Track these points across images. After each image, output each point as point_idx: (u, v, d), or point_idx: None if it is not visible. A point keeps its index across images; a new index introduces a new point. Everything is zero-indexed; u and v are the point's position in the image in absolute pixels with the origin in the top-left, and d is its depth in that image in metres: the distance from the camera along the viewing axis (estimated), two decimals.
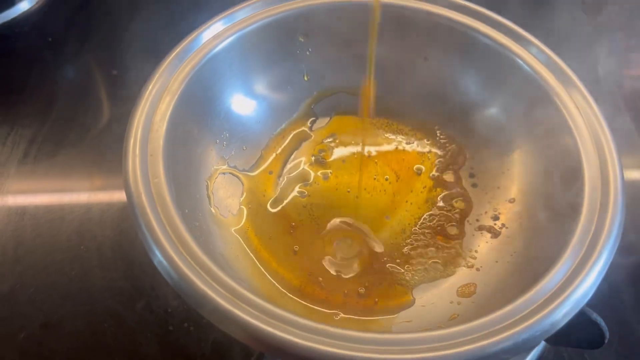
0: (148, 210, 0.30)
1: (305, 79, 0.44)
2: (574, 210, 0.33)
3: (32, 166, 0.51)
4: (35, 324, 0.41)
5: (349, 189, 0.41)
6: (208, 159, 0.39)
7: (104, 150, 0.52)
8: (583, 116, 0.36)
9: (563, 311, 0.29)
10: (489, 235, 0.39)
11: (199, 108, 0.38)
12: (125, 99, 0.56)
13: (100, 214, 0.48)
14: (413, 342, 0.27)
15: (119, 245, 0.46)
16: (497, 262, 0.37)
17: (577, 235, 0.32)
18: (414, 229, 0.40)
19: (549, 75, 0.38)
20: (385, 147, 0.44)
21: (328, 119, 0.45)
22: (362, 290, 0.37)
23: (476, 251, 0.38)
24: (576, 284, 0.29)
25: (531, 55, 0.38)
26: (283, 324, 0.27)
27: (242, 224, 0.39)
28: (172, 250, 0.29)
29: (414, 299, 0.36)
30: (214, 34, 0.38)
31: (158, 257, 0.29)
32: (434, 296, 0.36)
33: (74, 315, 0.42)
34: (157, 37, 0.58)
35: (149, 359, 0.40)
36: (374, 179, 0.42)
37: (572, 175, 0.34)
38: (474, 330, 0.28)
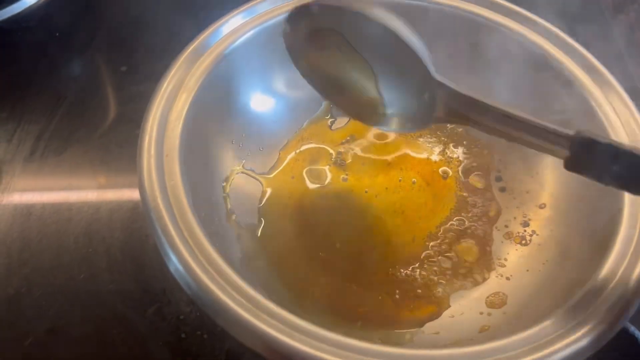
0: (164, 215, 0.28)
1: None
2: (613, 215, 0.31)
3: (38, 164, 0.49)
4: (42, 329, 0.39)
5: (369, 191, 0.40)
6: (224, 160, 0.37)
7: (113, 148, 0.50)
8: (620, 118, 0.34)
9: (604, 328, 0.27)
10: (518, 242, 0.37)
11: (215, 106, 0.36)
12: (134, 97, 0.54)
13: (109, 214, 0.46)
14: (445, 359, 0.25)
15: (129, 247, 0.44)
16: (528, 270, 0.35)
17: (617, 243, 0.30)
18: (440, 235, 0.38)
19: (585, 76, 0.36)
20: (409, 150, 0.42)
21: (347, 119, 0.43)
22: (387, 300, 0.35)
23: (505, 259, 0.36)
24: (618, 297, 0.28)
25: (563, 53, 0.37)
26: (306, 337, 0.25)
27: (260, 228, 0.37)
28: (190, 257, 0.27)
29: (441, 309, 0.34)
30: (232, 27, 0.36)
31: (175, 264, 0.27)
32: (463, 307, 0.34)
33: (82, 320, 0.40)
34: (169, 33, 0.57)
35: None
36: (399, 180, 0.40)
37: None
38: (509, 347, 0.26)
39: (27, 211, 0.45)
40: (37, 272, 0.42)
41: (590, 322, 0.27)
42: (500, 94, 0.39)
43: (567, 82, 0.36)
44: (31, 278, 0.42)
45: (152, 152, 0.30)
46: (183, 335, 0.39)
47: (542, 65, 0.38)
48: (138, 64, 0.56)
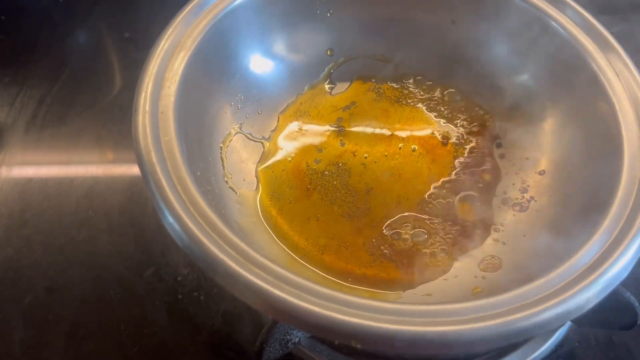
0: (158, 169, 0.28)
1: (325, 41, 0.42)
2: (611, 183, 0.31)
3: (40, 128, 0.49)
4: (41, 288, 0.40)
5: (368, 157, 0.39)
6: (222, 121, 0.37)
7: (116, 114, 0.50)
8: (623, 83, 0.33)
9: (596, 289, 0.27)
10: (516, 208, 0.37)
11: (213, 66, 0.36)
12: (137, 63, 0.52)
13: (110, 178, 0.46)
14: (433, 313, 0.25)
15: (128, 210, 0.44)
16: (524, 236, 0.35)
17: (613, 210, 0.30)
18: (438, 200, 0.38)
19: (586, 39, 0.35)
20: (409, 115, 0.41)
21: (348, 83, 0.43)
22: (380, 262, 0.35)
23: (502, 224, 0.36)
24: (611, 261, 0.28)
25: (567, 17, 0.36)
26: (298, 291, 0.25)
27: (257, 189, 0.37)
28: (183, 211, 0.27)
29: (435, 272, 0.34)
30: None
31: (168, 217, 0.27)
32: (457, 269, 0.34)
33: (81, 280, 0.40)
34: None
35: (157, 327, 0.38)
36: (399, 148, 0.40)
37: (610, 146, 0.32)
38: (497, 305, 0.26)
39: (29, 174, 0.46)
40: (38, 232, 0.43)
41: (581, 282, 0.27)
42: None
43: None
44: (31, 238, 0.42)
45: (147, 108, 0.30)
46: (180, 297, 0.40)
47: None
48: (141, 31, 0.56)
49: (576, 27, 0.36)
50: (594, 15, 0.36)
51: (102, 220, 0.43)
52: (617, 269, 0.27)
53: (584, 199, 0.33)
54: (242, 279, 0.25)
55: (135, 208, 0.44)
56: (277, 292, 0.25)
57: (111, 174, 0.46)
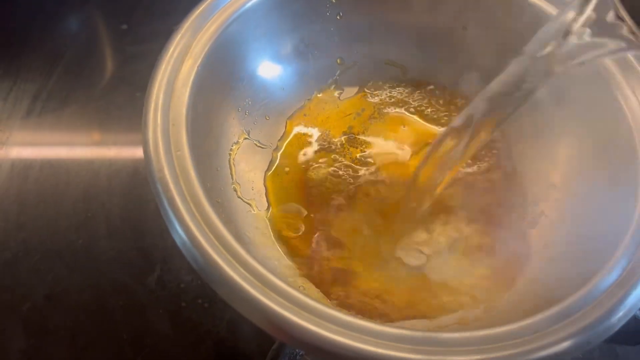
0: (171, 187, 0.27)
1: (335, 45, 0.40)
2: (627, 201, 0.31)
3: (35, 124, 0.48)
4: (39, 295, 0.39)
5: (376, 163, 0.39)
6: (230, 129, 0.36)
7: (112, 110, 0.49)
8: (639, 99, 0.33)
9: (617, 316, 0.26)
10: (525, 223, 0.36)
11: (222, 72, 0.35)
12: (135, 56, 0.52)
13: (107, 178, 0.45)
14: (453, 342, 0.25)
15: (128, 213, 0.43)
16: (535, 254, 0.34)
17: (631, 230, 0.29)
18: (443, 210, 0.37)
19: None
20: (417, 123, 0.41)
21: (357, 89, 0.42)
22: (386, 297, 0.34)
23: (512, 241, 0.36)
24: (632, 285, 0.27)
25: None
26: (310, 314, 0.25)
27: (266, 200, 0.36)
28: (198, 231, 0.26)
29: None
30: None
31: (182, 238, 0.26)
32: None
33: (80, 287, 0.40)
34: None
35: (160, 337, 0.38)
36: (411, 155, 0.39)
37: (626, 160, 0.32)
38: (507, 336, 0.25)
39: (24, 174, 0.44)
40: (35, 236, 0.41)
41: (603, 307, 0.26)
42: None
43: None
44: (29, 242, 0.41)
45: (159, 121, 0.29)
46: (183, 304, 0.39)
47: None
48: (139, 23, 0.55)
49: None
50: None
51: (101, 224, 0.42)
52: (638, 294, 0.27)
53: (597, 219, 0.33)
54: (259, 306, 0.25)
55: (135, 210, 0.43)
56: (295, 318, 0.24)
57: (108, 175, 0.45)
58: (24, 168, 0.45)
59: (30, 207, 0.43)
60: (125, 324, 0.38)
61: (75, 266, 0.40)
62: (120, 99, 0.50)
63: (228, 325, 0.38)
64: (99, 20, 0.56)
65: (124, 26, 0.54)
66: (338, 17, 0.40)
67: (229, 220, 0.31)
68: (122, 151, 0.47)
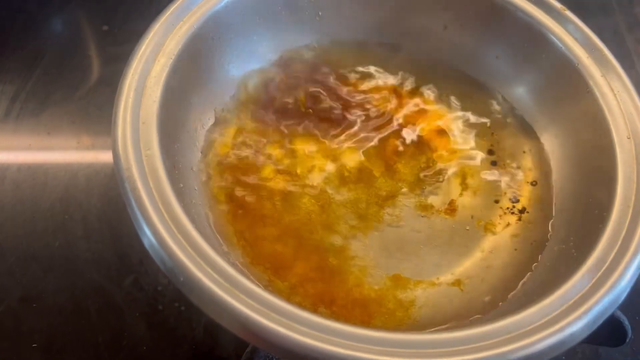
0: (139, 185, 0.27)
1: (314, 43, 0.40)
2: (604, 202, 0.30)
3: (14, 126, 0.47)
4: (14, 297, 0.38)
5: (351, 175, 0.38)
6: (204, 129, 0.36)
7: (92, 111, 0.49)
8: (619, 101, 0.33)
9: (592, 317, 0.26)
10: (507, 218, 0.36)
11: (196, 71, 0.34)
12: (116, 57, 0.52)
13: (86, 180, 0.44)
14: (422, 344, 0.25)
15: (106, 215, 0.43)
16: (515, 250, 0.34)
17: (607, 231, 0.29)
18: (426, 209, 0.37)
19: (586, 56, 0.34)
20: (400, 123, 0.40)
21: None
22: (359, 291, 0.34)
23: (493, 233, 0.35)
24: (607, 287, 0.27)
25: (567, 32, 0.35)
26: (282, 317, 0.24)
27: (239, 202, 0.36)
28: (166, 232, 0.26)
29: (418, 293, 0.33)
30: None
31: (150, 239, 0.26)
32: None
33: (56, 289, 0.39)
34: None
35: (136, 340, 0.37)
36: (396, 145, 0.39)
37: (604, 164, 0.32)
38: (487, 335, 0.25)
39: (1, 175, 0.44)
40: (11, 238, 0.41)
41: (576, 311, 0.26)
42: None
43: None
44: (4, 244, 0.40)
45: (128, 119, 0.29)
46: (160, 307, 0.38)
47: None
48: (120, 24, 0.54)
49: (576, 42, 0.35)
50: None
51: (78, 225, 0.42)
52: (614, 294, 0.27)
53: (576, 217, 0.32)
54: (226, 306, 0.24)
55: (113, 212, 0.43)
56: (265, 321, 0.24)
57: (87, 176, 0.45)
58: (1, 169, 0.44)
59: (7, 209, 0.42)
60: (101, 327, 0.37)
61: (51, 268, 0.40)
62: (100, 100, 0.49)
63: (205, 329, 0.38)
64: (80, 21, 0.55)
65: (105, 27, 0.54)
66: (317, 18, 0.40)
67: (199, 219, 0.31)
68: (101, 153, 0.46)
